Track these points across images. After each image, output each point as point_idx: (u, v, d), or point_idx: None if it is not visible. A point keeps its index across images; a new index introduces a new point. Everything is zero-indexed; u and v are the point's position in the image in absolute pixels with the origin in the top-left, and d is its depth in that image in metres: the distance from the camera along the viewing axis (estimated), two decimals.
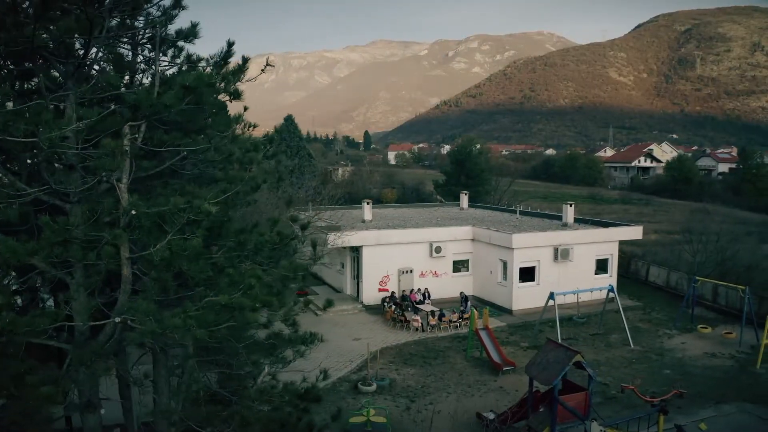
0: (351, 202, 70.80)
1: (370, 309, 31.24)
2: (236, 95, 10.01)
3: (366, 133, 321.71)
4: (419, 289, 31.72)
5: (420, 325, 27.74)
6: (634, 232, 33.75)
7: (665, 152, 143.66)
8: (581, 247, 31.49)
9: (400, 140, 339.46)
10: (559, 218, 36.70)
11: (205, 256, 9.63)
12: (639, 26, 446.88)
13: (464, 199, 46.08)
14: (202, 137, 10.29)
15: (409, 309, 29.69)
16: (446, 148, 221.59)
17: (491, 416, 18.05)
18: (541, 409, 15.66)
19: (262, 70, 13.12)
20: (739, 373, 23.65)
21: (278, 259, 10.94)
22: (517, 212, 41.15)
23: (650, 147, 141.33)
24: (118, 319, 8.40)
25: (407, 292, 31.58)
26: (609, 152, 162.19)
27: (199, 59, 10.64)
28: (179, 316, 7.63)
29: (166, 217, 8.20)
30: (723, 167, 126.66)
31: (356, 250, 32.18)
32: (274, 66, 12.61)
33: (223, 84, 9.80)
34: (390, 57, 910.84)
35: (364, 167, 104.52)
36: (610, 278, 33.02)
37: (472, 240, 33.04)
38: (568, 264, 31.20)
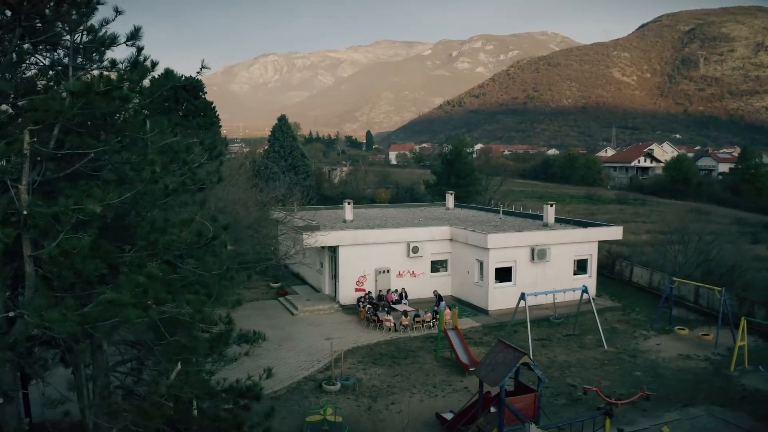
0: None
1: (347, 309, 31.09)
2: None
3: (368, 133, 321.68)
4: (396, 289, 31.55)
5: (392, 325, 27.58)
6: (614, 233, 33.49)
7: (666, 152, 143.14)
8: (559, 247, 31.25)
9: (403, 140, 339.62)
10: (542, 218, 36.48)
11: (116, 255, 9.58)
12: (643, 26, 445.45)
13: (450, 199, 45.89)
14: (119, 140, 10.26)
15: (385, 309, 29.54)
16: (449, 148, 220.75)
17: (449, 416, 17.92)
18: (492, 410, 15.50)
19: (198, 72, 13.07)
20: (712, 375, 23.35)
21: (201, 258, 10.80)
22: (500, 212, 40.92)
23: (650, 147, 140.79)
24: (11, 313, 8.37)
25: (384, 292, 31.44)
26: (610, 152, 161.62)
27: (114, 63, 10.68)
28: (59, 310, 7.56)
29: (60, 217, 8.12)
30: (723, 167, 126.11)
31: (334, 250, 32.05)
32: (209, 68, 12.43)
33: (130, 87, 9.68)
34: (394, 57, 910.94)
35: (359, 167, 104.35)
36: (590, 278, 32.79)
37: (451, 240, 32.85)
38: (546, 264, 30.97)
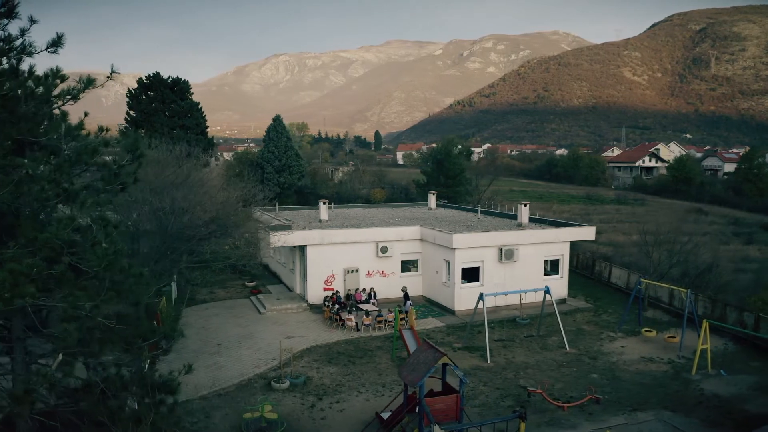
0: (340, 201, 70.89)
1: (315, 308, 31.06)
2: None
3: (377, 133, 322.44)
4: (364, 289, 31.50)
5: (354, 324, 27.54)
6: (587, 233, 33.19)
7: (673, 152, 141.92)
8: (528, 247, 31.02)
9: (413, 140, 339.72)
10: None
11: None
12: (654, 25, 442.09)
13: (432, 199, 45.75)
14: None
15: (354, 308, 29.50)
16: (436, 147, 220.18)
17: (387, 416, 17.84)
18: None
19: (108, 77, 13.08)
20: (671, 379, 22.99)
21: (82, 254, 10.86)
22: (479, 212, 40.72)
23: (657, 147, 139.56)
24: None
25: (352, 292, 31.40)
26: (617, 152, 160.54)
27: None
28: None
29: None
30: (729, 167, 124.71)
31: (303, 250, 32.05)
32: (119, 73, 12.47)
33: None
34: (405, 57, 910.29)
35: (353, 167, 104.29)
36: (561, 279, 32.56)
37: (421, 240, 32.73)
38: (515, 265, 30.75)
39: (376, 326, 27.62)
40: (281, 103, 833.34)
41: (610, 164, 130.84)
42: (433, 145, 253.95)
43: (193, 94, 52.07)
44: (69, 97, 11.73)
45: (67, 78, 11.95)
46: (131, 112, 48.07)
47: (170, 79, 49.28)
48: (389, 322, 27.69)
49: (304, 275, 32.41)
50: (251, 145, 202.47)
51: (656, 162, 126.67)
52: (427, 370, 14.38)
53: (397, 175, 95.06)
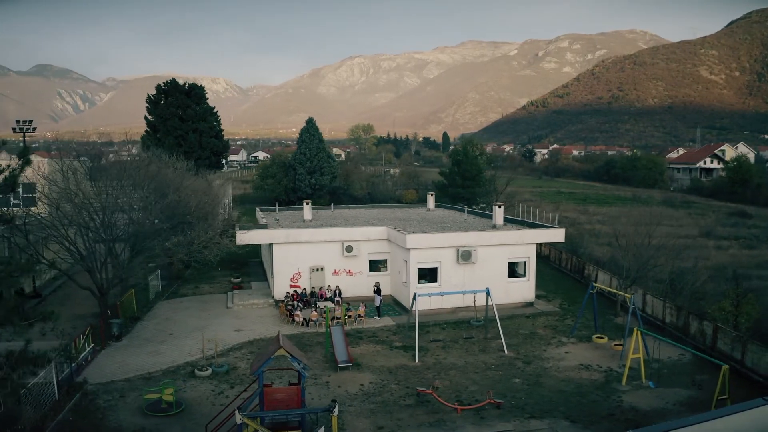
0: (372, 202, 72.14)
1: (280, 304, 32.22)
2: None
3: (444, 134, 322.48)
4: (329, 287, 32.39)
5: (302, 320, 28.51)
6: (556, 235, 32.70)
7: (740, 153, 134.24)
8: (488, 249, 30.89)
9: (485, 141, 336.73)
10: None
11: None
12: (731, 23, 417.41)
13: (431, 201, 46.05)
14: None
15: (314, 305, 30.51)
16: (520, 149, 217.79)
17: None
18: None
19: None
20: (596, 389, 22.32)
21: None
22: (465, 212, 40.70)
23: (722, 147, 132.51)
24: None
25: (317, 289, 32.37)
26: (681, 152, 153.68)
27: None
28: None
29: None
30: None
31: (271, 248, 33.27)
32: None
33: None
34: (479, 57, 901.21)
35: (401, 168, 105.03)
36: (528, 282, 32.25)
37: (388, 240, 33.25)
38: (474, 266, 30.74)
39: (319, 321, 28.47)
40: (355, 105, 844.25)
41: (671, 166, 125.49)
42: (505, 146, 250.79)
43: (209, 99, 54.60)
44: None
45: None
46: (149, 116, 51.03)
47: (186, 85, 51.91)
48: (338, 318, 28.42)
49: (272, 272, 33.65)
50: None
51: (717, 163, 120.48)
52: (264, 361, 15.16)
53: (435, 176, 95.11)
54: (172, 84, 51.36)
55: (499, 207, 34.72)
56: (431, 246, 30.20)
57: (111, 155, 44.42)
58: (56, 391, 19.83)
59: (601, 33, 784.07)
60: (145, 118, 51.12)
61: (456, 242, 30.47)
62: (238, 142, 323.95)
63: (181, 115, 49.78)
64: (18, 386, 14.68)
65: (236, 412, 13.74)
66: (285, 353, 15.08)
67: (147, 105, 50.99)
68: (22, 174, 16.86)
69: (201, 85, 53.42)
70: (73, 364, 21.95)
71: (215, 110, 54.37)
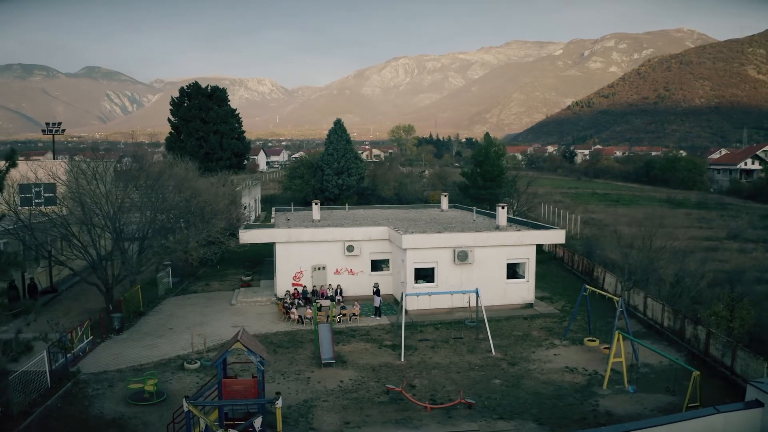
0: (399, 203, 72.52)
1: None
2: None
3: (486, 135, 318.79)
4: (330, 285, 33.02)
5: (297, 317, 29.20)
6: (556, 236, 32.53)
7: None
8: (486, 250, 30.97)
9: (530, 142, 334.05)
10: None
11: None
12: None
13: (444, 201, 46.21)
14: None
15: (317, 303, 31.14)
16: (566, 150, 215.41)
17: None
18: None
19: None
20: (575, 392, 22.21)
21: None
22: (474, 213, 40.75)
23: (765, 148, 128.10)
24: None
25: (318, 288, 33.03)
26: (723, 153, 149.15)
27: None
28: None
29: None
30: None
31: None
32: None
33: None
34: (525, 57, 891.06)
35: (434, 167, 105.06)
36: (527, 283, 32.18)
37: (390, 240, 33.63)
38: (472, 267, 30.88)
39: (342, 319, 29.19)
40: (400, 105, 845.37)
41: (711, 167, 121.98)
42: (549, 147, 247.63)
43: (230, 101, 55.97)
44: None
45: None
46: (172, 119, 52.70)
47: (208, 87, 53.38)
48: (334, 316, 29.03)
49: (275, 271, 34.45)
50: (367, 146, 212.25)
51: (759, 164, 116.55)
52: (222, 354, 15.86)
53: (457, 177, 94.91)
54: (195, 87, 52.95)
55: (503, 208, 34.72)
56: (428, 246, 30.47)
57: (156, 155, 46.33)
58: (48, 379, 21.02)
59: (648, 32, 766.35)
60: (169, 120, 52.83)
61: (453, 243, 30.66)
62: (283, 143, 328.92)
63: (203, 117, 51.26)
64: (4, 372, 15.80)
65: (184, 400, 14.44)
66: (241, 346, 15.72)
67: (170, 107, 52.76)
68: (7, 176, 18.03)
69: (223, 88, 54.87)
70: (69, 355, 23.14)
71: (236, 112, 55.71)
